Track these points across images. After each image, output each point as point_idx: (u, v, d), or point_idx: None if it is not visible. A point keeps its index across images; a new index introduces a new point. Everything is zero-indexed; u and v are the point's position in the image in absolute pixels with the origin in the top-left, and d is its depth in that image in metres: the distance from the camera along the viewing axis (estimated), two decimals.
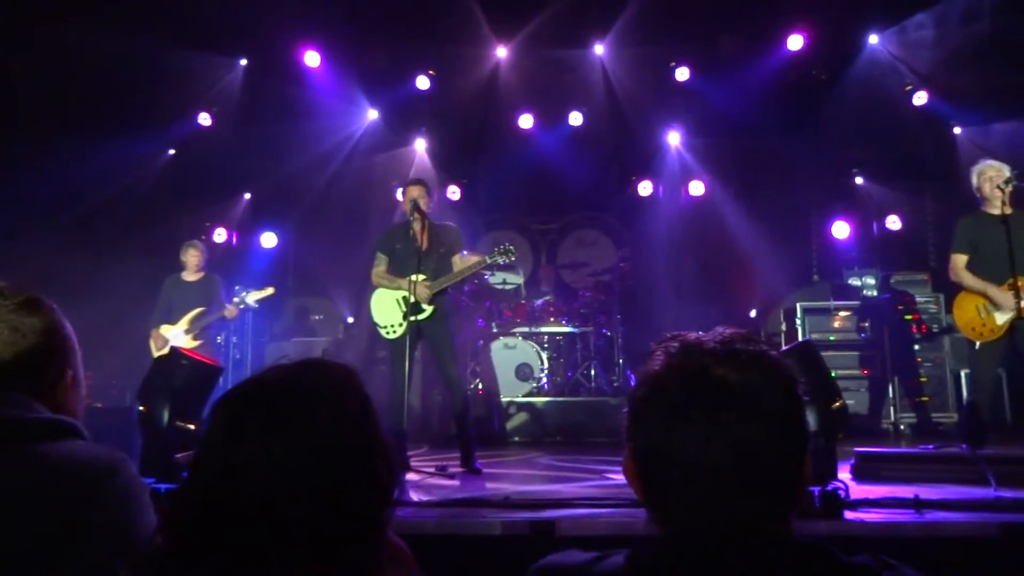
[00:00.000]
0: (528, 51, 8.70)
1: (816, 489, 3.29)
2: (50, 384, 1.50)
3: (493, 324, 8.77)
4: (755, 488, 0.98)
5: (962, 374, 7.48)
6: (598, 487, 4.38)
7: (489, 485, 4.69)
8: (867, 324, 8.01)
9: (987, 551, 3.03)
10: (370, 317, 5.68)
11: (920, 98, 8.45)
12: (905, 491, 3.60)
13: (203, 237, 9.62)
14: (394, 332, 5.48)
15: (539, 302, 8.93)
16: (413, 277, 5.30)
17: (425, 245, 5.47)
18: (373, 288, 5.67)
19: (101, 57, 7.39)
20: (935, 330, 7.82)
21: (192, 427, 4.41)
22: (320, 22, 8.23)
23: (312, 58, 8.69)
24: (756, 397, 0.99)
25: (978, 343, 5.31)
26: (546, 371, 8.36)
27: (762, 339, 1.20)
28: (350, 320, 9.64)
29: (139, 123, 8.34)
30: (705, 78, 8.84)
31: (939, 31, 7.79)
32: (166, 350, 6.91)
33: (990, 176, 5.32)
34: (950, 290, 5.66)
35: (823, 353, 4.67)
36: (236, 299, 7.17)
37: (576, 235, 10.74)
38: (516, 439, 7.65)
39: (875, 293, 8.41)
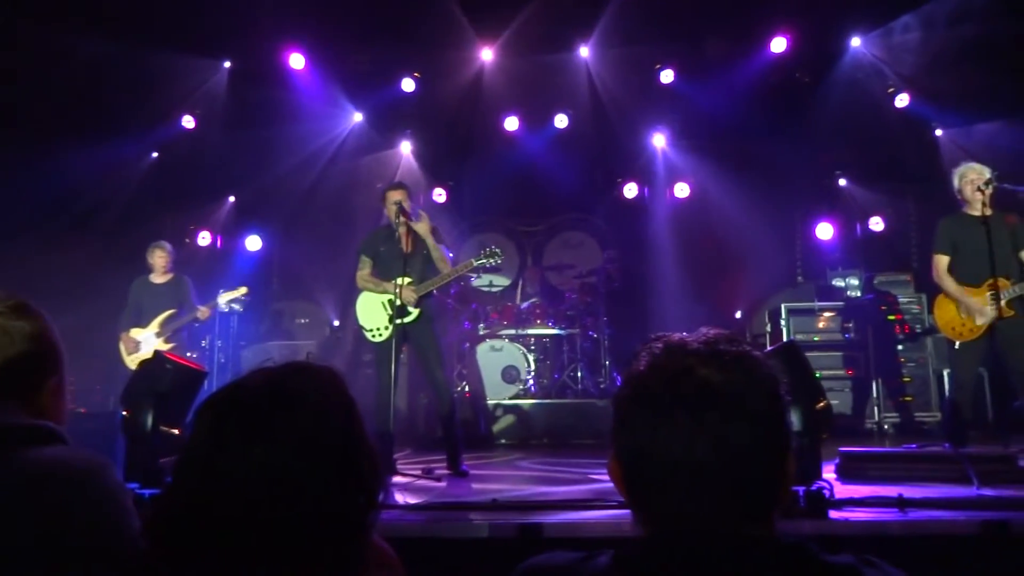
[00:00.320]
0: (513, 54, 8.69)
1: (801, 489, 3.31)
2: (35, 390, 1.49)
3: (479, 326, 8.77)
4: (739, 488, 0.98)
5: (945, 374, 7.53)
6: (585, 489, 4.39)
7: (475, 488, 4.69)
8: (851, 324, 8.07)
9: (969, 549, 3.06)
10: (356, 320, 5.67)
11: (902, 100, 8.52)
12: (889, 490, 3.63)
13: (187, 240, 9.58)
14: (380, 335, 5.47)
15: (525, 304, 8.93)
16: (399, 280, 5.30)
17: (409, 248, 5.47)
18: (359, 291, 5.66)
19: (83, 60, 7.32)
20: (918, 330, 7.88)
21: (176, 432, 4.38)
22: (304, 24, 8.19)
23: (297, 60, 8.66)
24: (740, 397, 0.99)
25: (958, 343, 5.36)
26: (532, 373, 8.36)
27: (747, 340, 1.21)
28: (335, 323, 9.60)
29: (122, 126, 8.27)
30: (690, 80, 8.88)
31: (921, 34, 7.85)
32: (141, 354, 6.87)
33: (971, 178, 5.38)
34: (932, 291, 5.72)
35: (807, 353, 4.70)
36: (220, 302, 7.11)
37: (562, 237, 10.76)
38: (503, 441, 7.65)
39: (859, 294, 8.47)
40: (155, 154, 9.29)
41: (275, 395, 1.05)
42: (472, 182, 10.02)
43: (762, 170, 8.93)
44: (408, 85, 9.04)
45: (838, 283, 8.60)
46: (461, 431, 5.56)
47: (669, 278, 9.72)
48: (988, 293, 5.18)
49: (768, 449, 1.00)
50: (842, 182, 9.68)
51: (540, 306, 8.91)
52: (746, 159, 8.88)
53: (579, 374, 8.45)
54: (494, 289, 10.03)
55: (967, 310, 5.32)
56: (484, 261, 5.57)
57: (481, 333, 8.70)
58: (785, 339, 7.71)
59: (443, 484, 4.78)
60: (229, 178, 9.66)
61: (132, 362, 6.88)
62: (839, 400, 7.69)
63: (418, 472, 5.06)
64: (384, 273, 5.54)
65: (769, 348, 5.81)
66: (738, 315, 9.42)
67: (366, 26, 8.28)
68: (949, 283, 5.46)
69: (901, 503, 3.39)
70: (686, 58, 8.82)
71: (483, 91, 9.00)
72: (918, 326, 7.89)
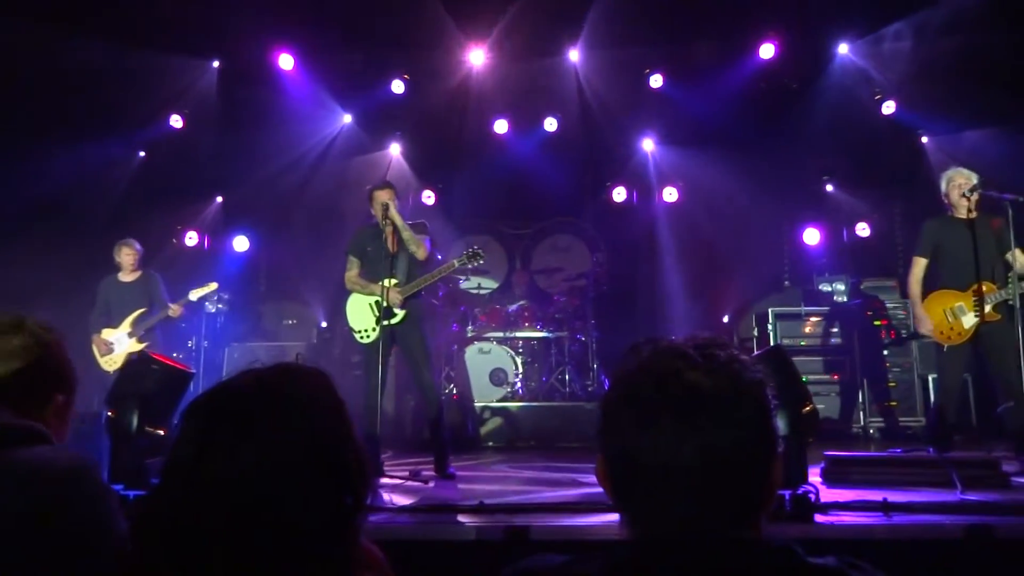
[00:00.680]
0: (503, 57, 8.70)
1: (787, 492, 3.33)
2: (35, 405, 1.49)
3: (468, 329, 8.77)
4: (726, 491, 0.99)
5: (930, 379, 7.59)
6: (572, 492, 4.39)
7: (462, 490, 4.69)
8: (837, 329, 8.12)
9: (953, 552, 3.08)
10: (346, 322, 5.66)
11: (889, 107, 8.58)
12: (874, 494, 3.66)
13: (174, 240, 9.52)
14: (368, 336, 5.47)
15: (513, 307, 8.94)
16: (385, 282, 5.29)
17: (395, 248, 5.46)
18: (349, 292, 5.65)
19: (70, 59, 7.28)
20: (904, 335, 7.93)
21: (162, 433, 4.35)
22: (294, 25, 8.17)
23: (286, 61, 8.63)
24: (728, 401, 1.00)
25: (946, 346, 5.40)
26: (520, 376, 8.36)
27: (734, 344, 1.22)
28: (323, 325, 9.57)
29: (109, 125, 8.21)
30: (679, 85, 8.91)
31: (908, 42, 7.91)
32: (115, 355, 6.82)
33: (959, 183, 5.43)
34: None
35: (794, 358, 4.73)
36: (191, 298, 7.02)
37: (550, 240, 10.77)
38: (490, 444, 7.65)
39: (845, 299, 8.51)
40: (142, 154, 9.23)
41: (265, 396, 1.05)
42: (461, 185, 10.01)
43: (750, 175, 8.97)
44: (398, 87, 9.03)
45: (825, 288, 8.64)
46: (448, 433, 5.55)
47: (657, 282, 9.75)
48: (973, 297, 5.22)
49: (755, 453, 1.01)
50: (829, 188, 9.74)
51: (528, 309, 8.91)
52: (734, 164, 8.92)
53: (567, 377, 8.46)
54: (482, 292, 10.02)
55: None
56: (466, 262, 5.56)
57: (469, 335, 8.70)
58: (772, 343, 7.74)
59: (430, 486, 4.78)
60: (217, 178, 9.61)
61: (106, 364, 6.82)
62: (825, 404, 7.73)
63: (405, 474, 5.05)
64: (371, 273, 5.54)
65: (756, 352, 5.84)
66: (725, 319, 9.45)
67: (356, 28, 8.26)
68: (915, 288, 5.59)
69: (886, 507, 3.41)
70: (675, 63, 8.85)
71: (473, 94, 9.00)
72: (904, 331, 7.94)
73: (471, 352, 8.44)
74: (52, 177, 7.63)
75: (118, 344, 6.85)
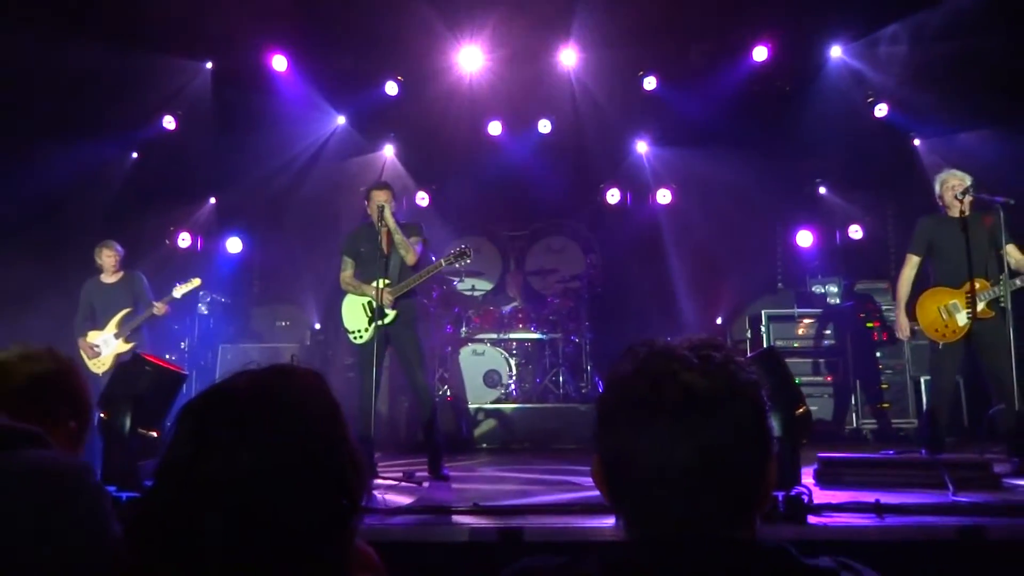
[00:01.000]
0: (497, 59, 8.71)
1: (780, 494, 3.34)
2: (50, 430, 1.51)
3: (462, 330, 8.76)
4: (721, 492, 0.99)
5: (922, 381, 7.62)
6: (566, 494, 4.39)
7: (456, 492, 4.69)
8: (830, 331, 8.14)
9: (946, 554, 3.10)
10: (341, 322, 5.66)
11: (881, 110, 8.62)
12: (867, 496, 3.67)
13: (167, 241, 9.49)
14: (361, 337, 5.47)
15: (507, 309, 8.94)
16: (378, 283, 5.29)
17: (389, 249, 5.46)
18: (344, 293, 5.66)
19: (64, 60, 7.25)
20: (897, 337, 7.94)
21: (154, 434, 4.34)
22: (288, 26, 8.16)
23: (279, 62, 8.61)
24: (723, 403, 1.00)
25: (941, 344, 5.42)
26: (514, 378, 8.36)
27: (729, 346, 1.22)
28: (317, 326, 9.55)
29: (102, 127, 8.18)
30: (672, 87, 8.93)
31: (901, 45, 7.95)
32: (102, 357, 6.79)
33: (952, 184, 5.46)
34: (912, 296, 5.77)
35: (787, 360, 4.74)
36: (175, 295, 6.99)
37: (544, 242, 10.76)
38: (484, 446, 7.64)
39: (838, 301, 8.54)
40: (135, 155, 9.20)
41: (260, 397, 1.04)
42: (455, 186, 10.01)
43: (743, 178, 9.00)
44: (391, 88, 9.03)
45: (818, 290, 8.67)
46: (442, 435, 5.55)
47: (651, 284, 9.77)
48: (966, 295, 5.24)
49: (750, 454, 1.01)
50: (822, 190, 9.78)
51: (522, 310, 8.91)
52: (728, 167, 8.94)
53: (561, 379, 8.46)
54: (476, 293, 10.02)
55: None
56: (453, 261, 5.55)
57: (463, 337, 8.69)
58: (765, 345, 7.76)
59: (424, 488, 4.77)
60: (210, 179, 9.59)
61: (95, 367, 6.79)
62: (818, 406, 7.74)
63: (399, 476, 5.04)
64: (364, 273, 5.54)
65: (749, 354, 5.85)
66: (719, 321, 9.47)
67: (349, 29, 8.25)
68: (903, 289, 5.67)
69: (878, 508, 3.42)
70: (669, 65, 8.87)
71: (467, 95, 9.00)
72: (896, 333, 7.95)
73: (465, 354, 8.44)
74: (45, 178, 7.60)
75: (105, 346, 6.82)
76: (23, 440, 1.35)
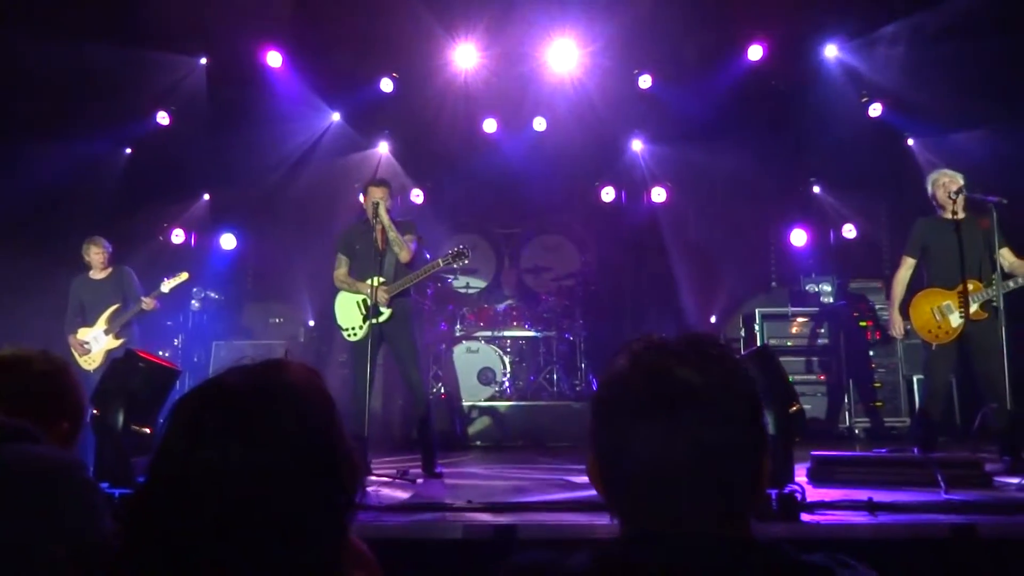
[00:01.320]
0: (492, 57, 8.70)
1: (773, 492, 3.35)
2: (43, 429, 1.51)
3: (456, 328, 8.76)
4: (716, 489, 0.99)
5: (915, 380, 7.64)
6: (560, 491, 4.39)
7: (450, 489, 4.69)
8: (824, 330, 8.16)
9: (938, 551, 3.11)
10: (335, 320, 5.65)
11: (875, 110, 8.64)
12: (859, 494, 3.69)
13: (160, 238, 9.46)
14: (355, 335, 5.47)
15: (502, 306, 8.94)
16: (372, 281, 5.29)
17: (383, 246, 5.45)
18: (337, 291, 5.64)
19: (57, 56, 7.22)
20: (890, 336, 7.97)
21: (147, 431, 4.33)
22: (282, 22, 8.13)
23: (274, 58, 8.59)
24: (718, 399, 1.00)
25: (934, 345, 5.43)
26: (508, 375, 8.36)
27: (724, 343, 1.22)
28: (310, 323, 9.53)
29: (95, 122, 8.14)
30: (667, 86, 8.94)
31: (895, 45, 7.97)
32: (93, 354, 6.76)
33: (944, 183, 5.47)
34: (906, 296, 5.79)
35: (781, 358, 4.75)
36: (163, 290, 6.95)
37: (539, 240, 10.76)
38: (478, 443, 7.65)
39: (831, 300, 8.55)
40: (129, 151, 9.16)
41: (255, 392, 1.04)
42: (450, 184, 10.00)
43: (738, 176, 9.02)
44: (386, 85, 9.01)
45: (811, 289, 8.68)
46: (436, 432, 5.55)
47: (645, 282, 9.78)
48: (959, 296, 5.26)
49: (745, 450, 1.01)
50: (816, 189, 9.79)
51: (517, 308, 8.92)
52: (723, 166, 8.95)
53: (555, 376, 8.47)
54: (471, 291, 10.02)
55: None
56: (451, 262, 5.55)
57: (457, 335, 8.69)
58: (759, 343, 7.78)
59: (418, 485, 4.77)
60: (204, 176, 9.55)
61: (85, 363, 6.77)
62: (811, 404, 7.77)
63: (393, 473, 5.04)
64: (359, 271, 5.53)
65: (743, 352, 5.86)
66: (713, 319, 9.49)
67: (344, 26, 8.24)
68: (897, 289, 5.68)
69: (871, 506, 3.44)
70: (664, 64, 8.87)
71: (462, 93, 9.00)
72: (890, 331, 7.97)
73: (459, 351, 8.44)
74: (38, 174, 7.56)
75: (95, 342, 6.80)
76: (13, 435, 1.35)
